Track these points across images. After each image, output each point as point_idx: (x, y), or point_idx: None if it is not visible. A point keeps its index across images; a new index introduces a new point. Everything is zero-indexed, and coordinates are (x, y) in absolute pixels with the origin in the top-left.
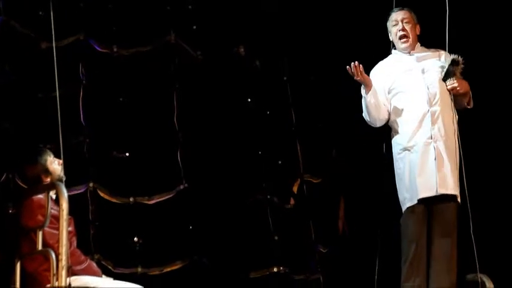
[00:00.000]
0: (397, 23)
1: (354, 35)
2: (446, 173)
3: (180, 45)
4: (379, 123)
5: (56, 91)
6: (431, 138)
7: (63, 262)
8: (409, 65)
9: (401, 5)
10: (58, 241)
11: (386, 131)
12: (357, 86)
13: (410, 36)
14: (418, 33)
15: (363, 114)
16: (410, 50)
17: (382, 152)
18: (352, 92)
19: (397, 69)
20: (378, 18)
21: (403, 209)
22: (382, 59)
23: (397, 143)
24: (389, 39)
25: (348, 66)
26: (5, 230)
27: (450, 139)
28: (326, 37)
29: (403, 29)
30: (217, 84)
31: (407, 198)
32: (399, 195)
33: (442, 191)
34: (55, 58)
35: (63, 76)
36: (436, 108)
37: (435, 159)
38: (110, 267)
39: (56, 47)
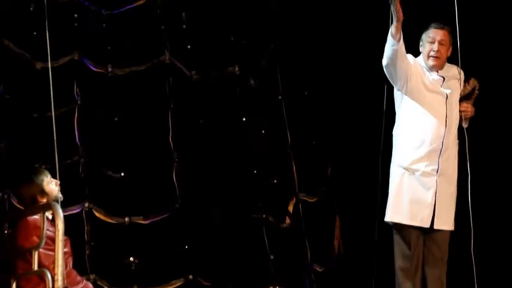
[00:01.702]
0: (434, 41)
1: (347, 49)
2: (444, 208)
3: (175, 65)
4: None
5: (51, 111)
6: (437, 172)
7: (59, 283)
8: (435, 86)
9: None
10: (53, 262)
11: (383, 149)
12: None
13: (442, 58)
14: (449, 55)
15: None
16: (437, 69)
17: (378, 169)
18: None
19: (424, 80)
20: (372, 32)
21: (388, 218)
22: (374, 72)
23: (400, 157)
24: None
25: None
26: (1, 250)
27: (453, 171)
28: (319, 52)
29: (438, 51)
30: (212, 104)
31: (395, 214)
32: (388, 202)
33: (438, 226)
34: (50, 78)
35: (58, 96)
36: (448, 142)
37: (435, 193)
38: (105, 287)
39: (50, 67)
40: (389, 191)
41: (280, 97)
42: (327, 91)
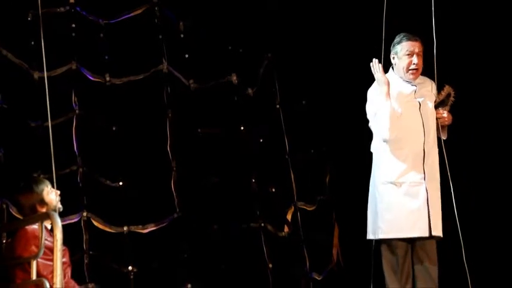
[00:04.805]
0: (412, 54)
1: (345, 56)
2: (436, 214)
3: (173, 74)
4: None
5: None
6: (424, 179)
7: None
8: (408, 95)
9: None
10: (52, 272)
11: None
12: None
13: (420, 70)
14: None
15: (381, 127)
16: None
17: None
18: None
19: (398, 93)
20: (368, 43)
21: (372, 236)
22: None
23: (384, 173)
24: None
25: (371, 63)
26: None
27: (438, 176)
28: (317, 60)
29: (418, 64)
30: (210, 113)
31: (382, 229)
32: (370, 222)
33: (435, 233)
34: (47, 88)
35: (56, 105)
36: (429, 147)
37: (427, 200)
38: None
39: (48, 76)
40: (378, 209)
41: (278, 106)
42: (325, 99)
